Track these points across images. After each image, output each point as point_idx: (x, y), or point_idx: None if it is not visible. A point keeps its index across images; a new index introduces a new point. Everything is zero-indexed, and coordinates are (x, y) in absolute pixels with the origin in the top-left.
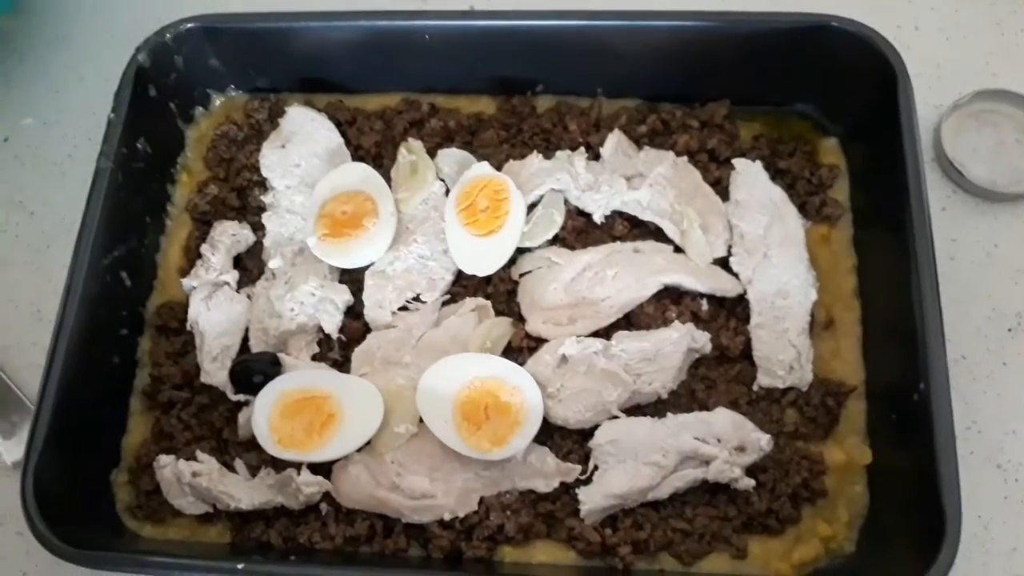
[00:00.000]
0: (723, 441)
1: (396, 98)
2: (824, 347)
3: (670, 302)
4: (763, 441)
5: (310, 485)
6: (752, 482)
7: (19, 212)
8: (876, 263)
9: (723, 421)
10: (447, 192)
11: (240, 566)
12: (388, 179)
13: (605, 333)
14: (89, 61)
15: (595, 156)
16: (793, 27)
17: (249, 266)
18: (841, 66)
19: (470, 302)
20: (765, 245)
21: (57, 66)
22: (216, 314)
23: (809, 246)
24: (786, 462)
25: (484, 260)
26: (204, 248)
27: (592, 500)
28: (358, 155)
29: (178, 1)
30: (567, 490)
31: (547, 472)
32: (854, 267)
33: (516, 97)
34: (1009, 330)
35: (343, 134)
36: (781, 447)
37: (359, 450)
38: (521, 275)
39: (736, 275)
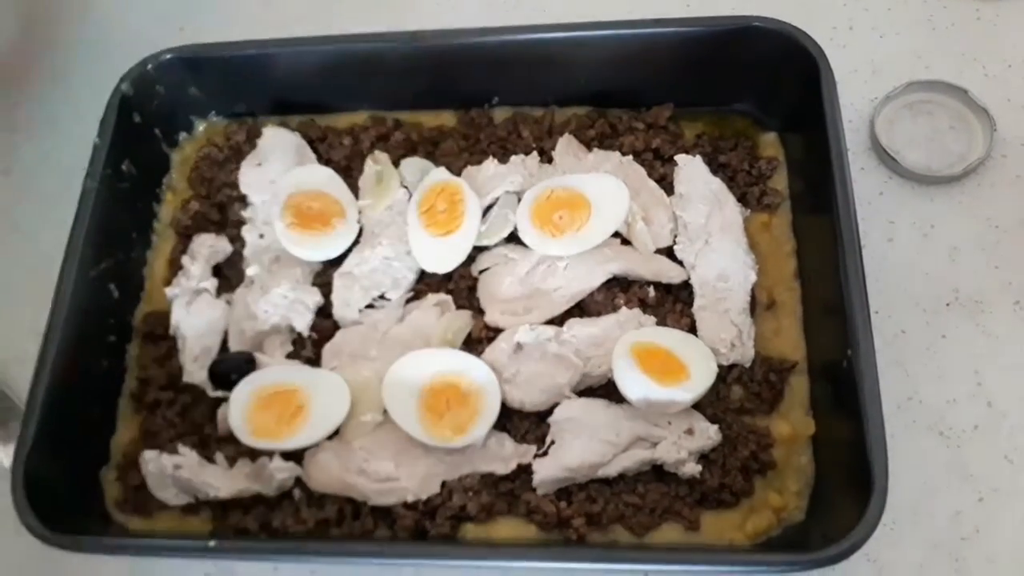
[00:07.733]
0: (673, 424)
1: (363, 115)
2: (767, 327)
3: (619, 290)
4: (711, 431)
5: (282, 471)
6: (699, 468)
7: (20, 237)
8: (812, 245)
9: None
10: (410, 198)
11: (211, 543)
12: (356, 189)
13: (560, 321)
14: (85, 96)
15: (548, 160)
16: (721, 30)
17: (229, 275)
18: (770, 64)
19: (432, 298)
20: (706, 233)
21: (55, 102)
22: (196, 318)
23: (751, 232)
24: (734, 437)
25: (444, 258)
26: (184, 259)
27: (544, 470)
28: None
29: (171, 35)
30: (524, 470)
31: (505, 455)
32: (793, 250)
33: (474, 110)
34: (947, 304)
35: (315, 150)
36: (729, 423)
37: (329, 438)
38: (480, 272)
39: (680, 262)
